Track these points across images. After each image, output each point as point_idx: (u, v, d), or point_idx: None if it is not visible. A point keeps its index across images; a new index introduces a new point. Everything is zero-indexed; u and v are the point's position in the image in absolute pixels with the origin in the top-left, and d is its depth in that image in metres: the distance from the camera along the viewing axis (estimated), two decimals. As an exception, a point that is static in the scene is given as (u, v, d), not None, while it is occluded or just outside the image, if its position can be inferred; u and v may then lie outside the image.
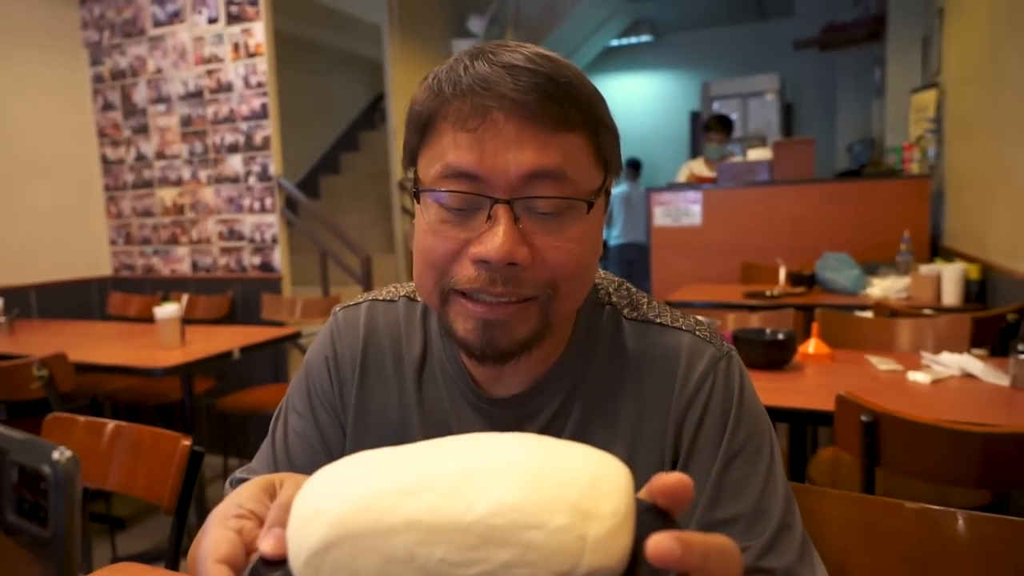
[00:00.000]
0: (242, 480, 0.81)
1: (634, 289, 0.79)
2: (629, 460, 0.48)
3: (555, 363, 0.72)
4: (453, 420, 0.74)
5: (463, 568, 0.40)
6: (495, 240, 0.59)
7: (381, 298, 0.82)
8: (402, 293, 0.82)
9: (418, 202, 0.65)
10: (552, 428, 0.72)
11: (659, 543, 0.37)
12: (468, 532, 0.40)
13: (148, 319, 3.29)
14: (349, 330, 0.80)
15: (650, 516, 0.44)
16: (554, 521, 0.40)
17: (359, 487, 0.43)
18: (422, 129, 0.64)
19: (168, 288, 3.89)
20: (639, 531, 0.42)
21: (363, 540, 0.41)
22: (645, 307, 0.76)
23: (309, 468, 0.78)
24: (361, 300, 0.83)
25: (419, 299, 0.80)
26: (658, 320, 0.74)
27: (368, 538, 0.41)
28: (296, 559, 0.43)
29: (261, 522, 0.48)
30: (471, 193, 0.61)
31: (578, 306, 0.70)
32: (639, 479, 0.46)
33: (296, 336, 2.84)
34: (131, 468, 1.31)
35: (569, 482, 0.41)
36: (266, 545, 0.45)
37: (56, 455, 0.35)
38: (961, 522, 0.86)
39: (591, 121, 0.62)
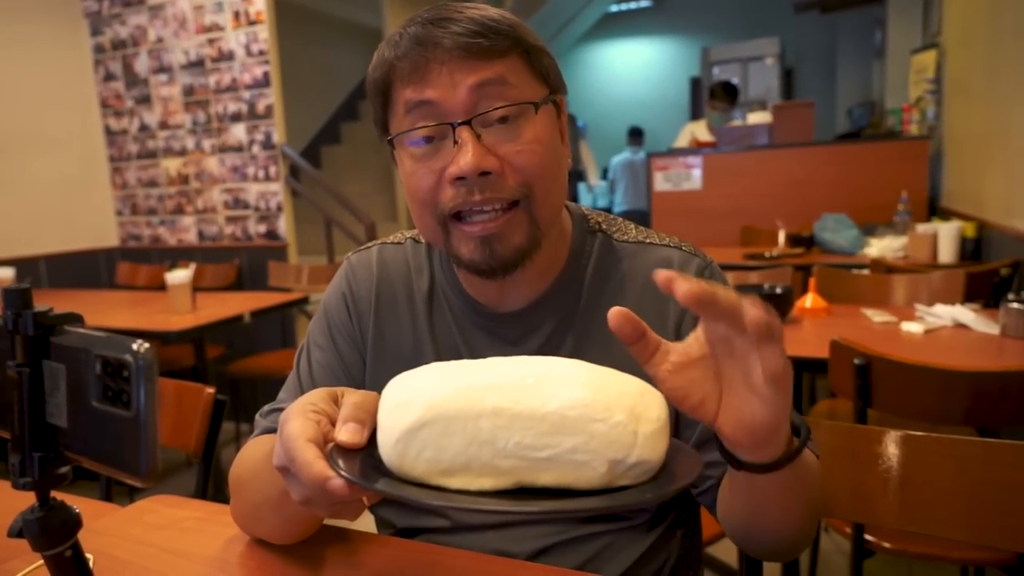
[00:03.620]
0: (272, 411, 0.87)
1: (620, 219, 0.88)
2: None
3: (552, 282, 0.81)
4: (461, 341, 0.83)
5: (535, 451, 0.49)
6: (465, 156, 0.68)
7: (389, 241, 0.91)
8: (408, 236, 0.91)
9: (395, 151, 0.74)
10: (554, 340, 0.80)
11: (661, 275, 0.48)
12: (544, 421, 0.49)
13: (156, 288, 3.35)
14: (363, 270, 0.89)
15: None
16: (615, 417, 0.49)
17: (450, 381, 0.51)
18: (382, 95, 0.74)
19: (175, 257, 3.94)
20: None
21: (454, 422, 0.49)
22: (634, 231, 0.86)
23: None
24: (371, 244, 0.92)
25: (423, 241, 0.89)
26: (647, 240, 0.84)
27: (458, 420, 0.49)
28: (387, 439, 0.51)
29: (331, 420, 0.56)
30: (434, 124, 0.70)
31: (558, 211, 0.78)
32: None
33: (304, 301, 2.90)
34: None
35: (624, 391, 0.51)
36: (344, 435, 0.54)
37: (135, 346, 0.40)
38: (939, 445, 0.92)
39: (519, 44, 0.71)
